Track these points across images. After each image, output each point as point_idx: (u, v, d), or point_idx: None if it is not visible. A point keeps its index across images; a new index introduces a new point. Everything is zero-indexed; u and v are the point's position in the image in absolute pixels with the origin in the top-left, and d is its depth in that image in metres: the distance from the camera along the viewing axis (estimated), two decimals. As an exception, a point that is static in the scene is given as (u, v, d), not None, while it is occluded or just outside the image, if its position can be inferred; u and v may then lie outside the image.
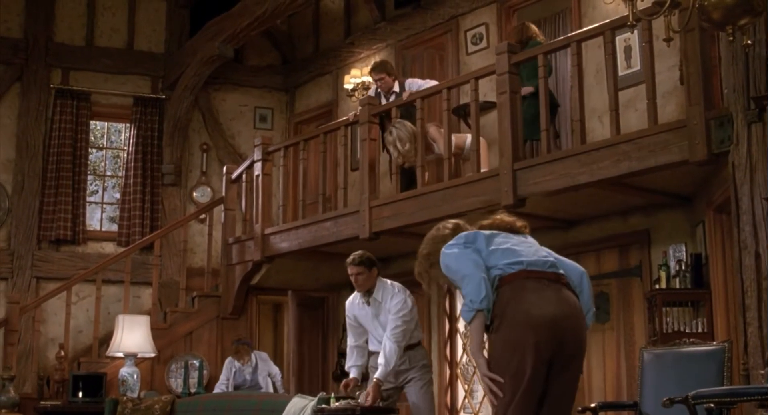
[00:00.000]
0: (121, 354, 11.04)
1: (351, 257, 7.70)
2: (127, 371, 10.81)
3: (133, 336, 10.98)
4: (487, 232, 4.77)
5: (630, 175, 7.80)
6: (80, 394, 10.87)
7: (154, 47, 13.86)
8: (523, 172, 8.44)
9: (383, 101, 10.55)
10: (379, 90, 10.75)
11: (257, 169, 11.40)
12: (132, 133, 13.44)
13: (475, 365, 4.67)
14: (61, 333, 12.23)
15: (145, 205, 13.17)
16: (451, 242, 4.74)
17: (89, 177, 13.90)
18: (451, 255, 4.66)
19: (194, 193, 13.61)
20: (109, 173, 15.18)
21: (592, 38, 8.35)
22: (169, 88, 13.54)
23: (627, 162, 7.67)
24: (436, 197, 9.24)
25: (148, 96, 13.58)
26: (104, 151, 15.19)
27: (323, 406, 7.40)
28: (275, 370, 11.17)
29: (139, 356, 10.99)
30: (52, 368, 11.79)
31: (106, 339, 11.82)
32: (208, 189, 13.66)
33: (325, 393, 7.82)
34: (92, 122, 13.74)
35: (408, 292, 7.70)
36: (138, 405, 9.26)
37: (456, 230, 4.94)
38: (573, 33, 8.55)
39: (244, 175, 11.87)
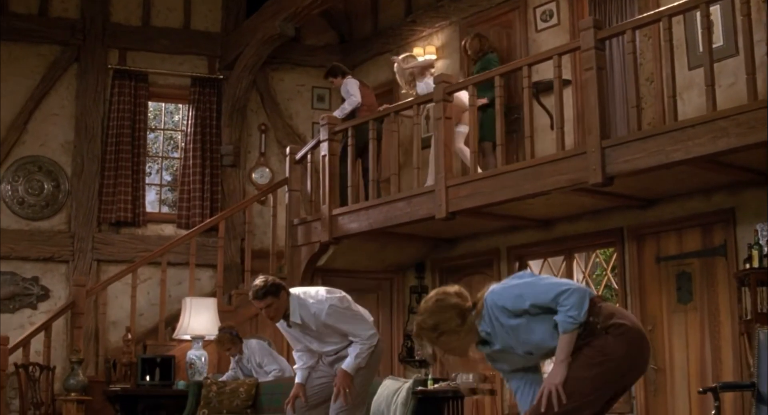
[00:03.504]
0: (188, 337, 10.95)
1: (252, 292, 6.88)
2: (194, 353, 10.72)
3: (200, 319, 10.89)
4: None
5: (727, 153, 7.63)
6: (147, 377, 10.79)
7: (211, 27, 13.71)
8: (612, 149, 8.26)
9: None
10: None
11: (323, 149, 11.25)
12: (190, 114, 13.32)
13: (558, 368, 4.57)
14: (122, 316, 12.19)
15: (204, 187, 13.05)
16: (510, 279, 4.73)
17: (143, 159, 13.76)
18: (528, 283, 4.64)
19: (253, 175, 13.49)
20: (162, 154, 15.06)
21: (686, 12, 8.18)
22: (226, 69, 13.40)
23: (725, 139, 7.49)
24: (516, 176, 9.08)
25: (206, 76, 13.44)
26: (158, 133, 15.04)
27: (421, 388, 7.28)
28: (270, 365, 10.26)
29: (206, 338, 10.87)
30: (114, 351, 11.71)
31: (168, 322, 11.75)
32: (267, 170, 13.53)
33: (421, 374, 7.69)
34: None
35: (326, 295, 6.97)
36: (223, 388, 9.20)
37: (461, 294, 4.75)
38: (664, 7, 8.34)
39: (308, 156, 11.73)
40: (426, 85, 11.12)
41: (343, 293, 7.13)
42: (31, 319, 12.32)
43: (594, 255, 10.72)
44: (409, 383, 7.57)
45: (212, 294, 12.32)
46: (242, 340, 10.37)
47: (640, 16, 8.44)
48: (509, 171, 9.19)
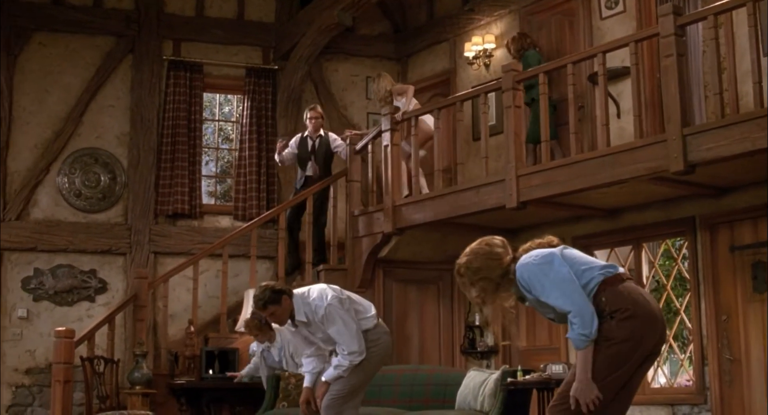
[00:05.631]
0: (250, 329, 10.85)
1: (253, 303, 7.06)
2: (257, 346, 10.61)
3: (262, 311, 10.76)
4: (564, 249, 5.01)
5: (817, 139, 7.50)
6: (210, 371, 10.71)
7: (265, 17, 13.61)
8: (694, 137, 8.14)
9: (309, 142, 12.27)
10: (307, 133, 12.31)
11: (386, 139, 11.15)
12: (245, 104, 13.23)
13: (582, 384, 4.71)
14: (179, 309, 12.14)
15: (260, 178, 12.95)
16: (542, 262, 4.86)
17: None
18: (556, 278, 4.78)
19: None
20: (213, 146, 14.98)
21: (774, -4, 8.06)
22: (281, 59, 13.30)
23: (815, 125, 7.38)
24: (591, 165, 8.97)
25: (260, 67, 13.35)
26: (207, 124, 14.93)
27: (511, 379, 7.18)
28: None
29: (269, 330, 10.76)
30: (173, 343, 11.63)
31: (227, 314, 11.68)
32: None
33: (508, 366, 7.60)
34: (199, 94, 13.52)
35: (329, 293, 7.07)
36: (301, 381, 9.07)
37: (505, 245, 5.08)
38: (749, -9, 8.20)
39: (369, 146, 11.65)
40: (401, 104, 11.58)
41: (347, 295, 7.19)
42: (89, 312, 12.30)
43: (663, 244, 10.58)
44: (496, 374, 7.47)
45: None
46: (272, 328, 9.98)
47: (723, 1, 8.27)
48: (584, 160, 9.08)
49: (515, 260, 5.00)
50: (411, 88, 11.94)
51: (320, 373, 7.27)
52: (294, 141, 12.32)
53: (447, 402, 7.97)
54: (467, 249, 5.11)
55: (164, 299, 11.59)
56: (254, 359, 10.25)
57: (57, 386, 9.84)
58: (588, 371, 4.68)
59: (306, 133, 12.33)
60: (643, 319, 4.76)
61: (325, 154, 12.21)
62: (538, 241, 5.15)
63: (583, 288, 4.80)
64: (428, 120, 11.28)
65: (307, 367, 7.35)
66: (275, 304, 6.94)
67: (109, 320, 10.88)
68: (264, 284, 7.14)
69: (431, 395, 8.15)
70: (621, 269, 5.01)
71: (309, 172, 12.24)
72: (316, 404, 7.10)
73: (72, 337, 10.02)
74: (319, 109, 12.41)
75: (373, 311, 7.29)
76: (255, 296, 6.96)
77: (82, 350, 10.47)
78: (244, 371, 10.34)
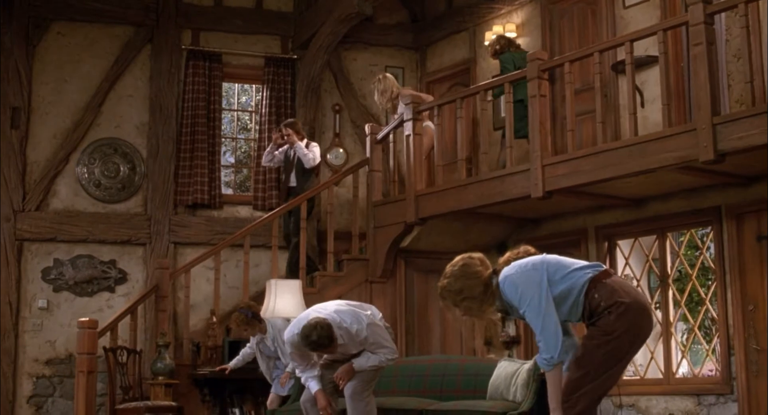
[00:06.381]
0: (273, 319, 10.81)
1: (315, 347, 7.24)
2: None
3: (285, 301, 10.69)
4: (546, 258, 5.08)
5: None
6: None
7: (283, 6, 13.54)
8: (724, 126, 8.10)
9: (291, 153, 12.12)
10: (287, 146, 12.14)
11: (407, 128, 11.11)
12: (264, 94, 13.17)
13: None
14: (199, 299, 12.15)
15: (279, 168, 12.87)
16: (523, 277, 4.94)
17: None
18: (532, 295, 4.89)
19: (327, 155, 13.28)
20: (230, 135, 14.94)
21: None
22: (300, 48, 13.24)
23: None
24: (619, 154, 8.93)
25: (279, 56, 13.27)
26: (224, 113, 14.89)
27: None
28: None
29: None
30: (193, 334, 11.60)
31: (246, 304, 11.64)
32: (341, 150, 13.38)
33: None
34: (214, 84, 13.46)
35: (360, 313, 7.45)
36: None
37: (483, 262, 5.16)
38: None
39: (390, 135, 11.61)
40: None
41: (368, 309, 7.62)
42: (109, 302, 12.28)
43: (687, 234, 10.52)
44: (528, 364, 7.44)
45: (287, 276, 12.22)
46: (262, 320, 9.82)
47: (752, -11, 8.22)
48: (611, 149, 9.04)
49: (496, 272, 5.09)
50: (429, 98, 11.87)
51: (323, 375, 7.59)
52: (282, 149, 12.27)
53: (478, 392, 7.93)
54: (446, 269, 5.21)
55: (186, 290, 11.54)
56: (243, 350, 10.18)
57: (80, 376, 9.79)
58: (555, 399, 4.81)
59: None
60: (638, 310, 4.89)
61: (303, 166, 12.10)
62: (516, 251, 5.27)
63: (573, 288, 4.90)
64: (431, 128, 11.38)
65: (308, 373, 7.60)
66: (331, 343, 7.20)
67: (131, 310, 10.86)
68: (312, 323, 7.20)
69: (462, 385, 8.11)
70: (604, 266, 5.13)
71: (290, 182, 12.23)
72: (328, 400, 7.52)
73: (95, 327, 9.96)
74: (297, 125, 12.19)
75: (380, 313, 7.72)
76: (319, 337, 7.11)
77: (104, 341, 10.45)
78: (232, 363, 10.26)
